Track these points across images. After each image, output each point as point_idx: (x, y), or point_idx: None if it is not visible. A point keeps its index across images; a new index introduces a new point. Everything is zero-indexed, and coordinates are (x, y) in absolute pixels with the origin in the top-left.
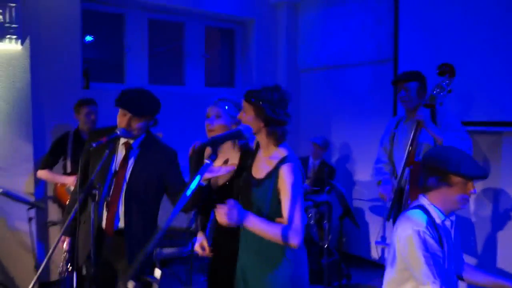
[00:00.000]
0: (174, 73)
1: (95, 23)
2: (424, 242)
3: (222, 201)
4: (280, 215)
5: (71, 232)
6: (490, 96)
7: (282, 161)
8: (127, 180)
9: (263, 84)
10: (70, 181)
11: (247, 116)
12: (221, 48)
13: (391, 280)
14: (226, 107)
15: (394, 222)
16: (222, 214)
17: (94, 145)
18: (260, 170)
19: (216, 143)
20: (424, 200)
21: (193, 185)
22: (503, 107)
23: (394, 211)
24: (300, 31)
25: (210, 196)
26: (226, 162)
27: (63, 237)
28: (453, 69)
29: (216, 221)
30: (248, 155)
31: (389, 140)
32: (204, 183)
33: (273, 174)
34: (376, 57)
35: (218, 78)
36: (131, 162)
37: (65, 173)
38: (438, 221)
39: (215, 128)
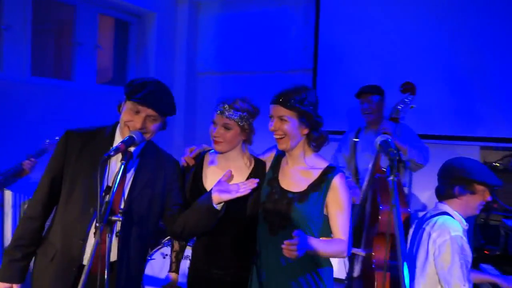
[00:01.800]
0: (62, 64)
1: None
2: (461, 247)
3: (225, 219)
4: (329, 229)
5: (20, 276)
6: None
7: (331, 171)
8: (125, 197)
9: (292, 85)
10: None
11: (288, 124)
12: (115, 42)
13: (422, 286)
14: (242, 116)
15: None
16: (293, 249)
17: (112, 152)
18: (294, 182)
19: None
20: (445, 207)
21: None
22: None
23: (360, 216)
24: (201, 32)
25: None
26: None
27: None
28: (414, 87)
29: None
30: (262, 167)
31: (349, 148)
32: (218, 207)
33: (323, 186)
34: (290, 66)
35: (110, 75)
36: (129, 175)
37: None
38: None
39: (223, 141)
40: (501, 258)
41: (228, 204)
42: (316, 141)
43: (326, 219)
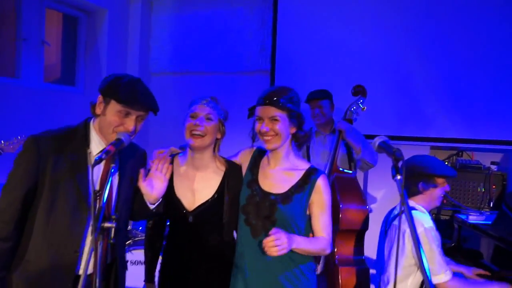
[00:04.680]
0: (6, 60)
1: None
2: (435, 238)
3: (199, 225)
4: (310, 228)
5: None
6: None
7: (314, 173)
8: (116, 202)
9: (275, 86)
10: None
11: (280, 123)
12: (63, 38)
13: (397, 277)
14: (220, 112)
15: None
16: (273, 247)
17: (103, 155)
18: (276, 183)
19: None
20: (411, 203)
21: None
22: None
23: None
24: (154, 31)
25: (184, 219)
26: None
27: None
28: (365, 90)
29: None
30: (237, 169)
31: (302, 153)
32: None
33: (307, 187)
34: (247, 68)
35: (58, 74)
36: (116, 176)
37: None
38: None
39: (206, 133)
40: (455, 250)
41: (203, 211)
42: (301, 140)
43: (308, 219)
